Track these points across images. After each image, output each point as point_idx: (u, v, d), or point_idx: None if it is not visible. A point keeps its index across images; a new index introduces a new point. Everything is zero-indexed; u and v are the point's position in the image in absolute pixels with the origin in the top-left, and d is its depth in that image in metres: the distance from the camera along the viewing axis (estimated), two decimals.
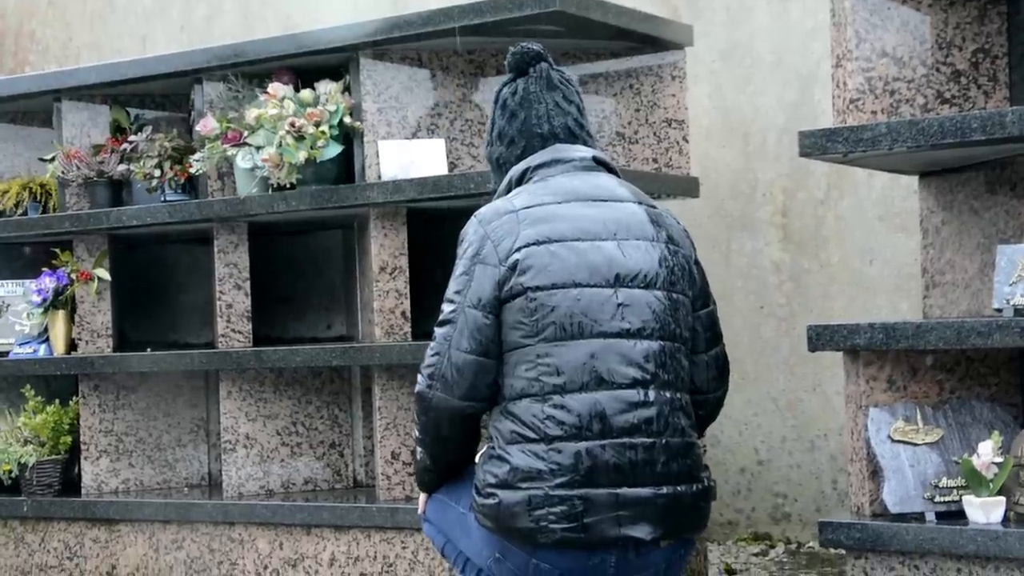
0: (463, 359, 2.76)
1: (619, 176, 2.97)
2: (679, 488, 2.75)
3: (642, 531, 2.71)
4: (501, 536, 2.74)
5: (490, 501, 2.74)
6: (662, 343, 2.77)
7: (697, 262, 2.92)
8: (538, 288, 2.73)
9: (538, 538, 2.69)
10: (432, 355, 2.80)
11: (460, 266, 2.81)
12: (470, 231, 2.84)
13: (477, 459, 2.87)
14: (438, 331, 2.80)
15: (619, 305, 2.75)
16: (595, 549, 2.71)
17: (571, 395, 2.71)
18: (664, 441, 2.74)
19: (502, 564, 2.76)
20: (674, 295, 2.81)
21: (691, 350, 2.87)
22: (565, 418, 2.71)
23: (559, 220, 2.79)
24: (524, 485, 2.70)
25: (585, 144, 2.97)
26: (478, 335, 2.76)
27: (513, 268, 2.75)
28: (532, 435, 2.72)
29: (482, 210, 2.86)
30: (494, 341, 2.77)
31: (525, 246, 2.76)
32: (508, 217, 2.80)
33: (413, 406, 2.92)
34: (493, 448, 2.78)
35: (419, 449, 2.92)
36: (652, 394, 2.74)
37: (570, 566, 2.71)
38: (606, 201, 2.84)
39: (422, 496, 3.04)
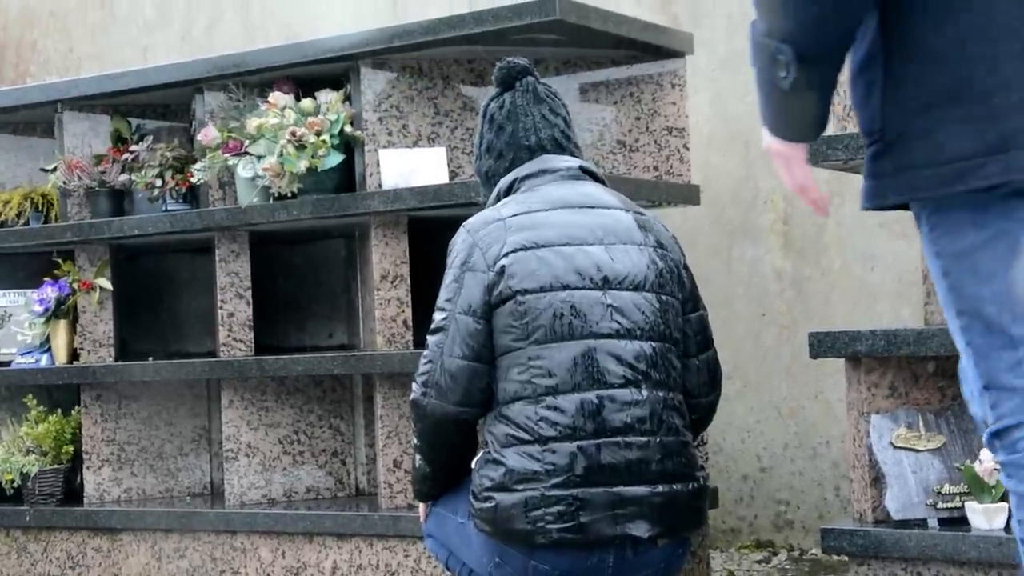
0: (456, 365, 2.78)
1: (606, 185, 3.00)
2: (675, 487, 2.76)
3: (640, 529, 2.72)
4: (499, 540, 2.75)
5: (487, 505, 2.75)
6: (653, 344, 2.79)
7: (686, 267, 2.95)
8: (526, 291, 2.76)
9: (535, 539, 2.70)
10: (425, 363, 2.83)
11: (450, 274, 2.85)
12: (459, 240, 2.88)
13: (473, 465, 2.88)
14: (430, 339, 2.83)
15: (609, 307, 2.77)
16: (593, 549, 2.72)
17: (564, 396, 2.73)
18: (659, 440, 2.76)
19: (502, 569, 2.77)
20: (663, 297, 2.83)
21: (683, 353, 2.89)
22: (558, 419, 2.72)
23: (546, 226, 2.82)
24: (520, 487, 2.71)
25: (572, 155, 3.00)
26: (470, 341, 2.78)
27: (501, 273, 2.78)
28: (526, 437, 2.73)
29: (470, 220, 2.90)
30: (486, 346, 2.79)
31: (512, 251, 2.79)
32: (495, 225, 2.83)
33: (410, 414, 2.95)
34: (488, 452, 2.79)
35: (417, 457, 2.95)
36: (645, 393, 2.76)
37: (568, 567, 2.72)
38: (593, 208, 2.88)
39: (422, 507, 3.06)
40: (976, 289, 1.82)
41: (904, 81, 1.81)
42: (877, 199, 1.88)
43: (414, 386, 2.85)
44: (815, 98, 1.89)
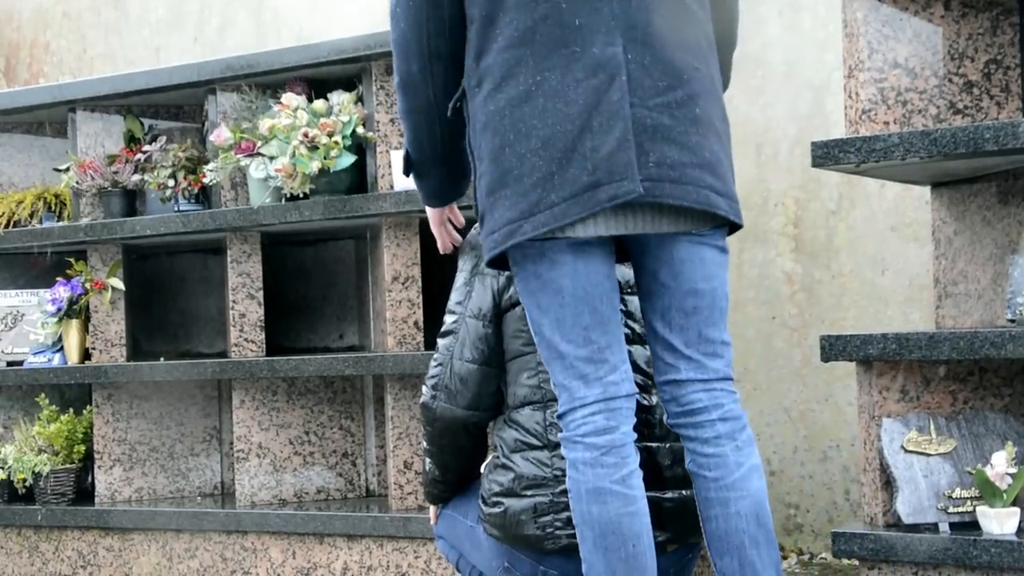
0: (465, 369, 2.79)
1: None
2: (684, 492, 2.75)
3: None
4: (509, 545, 2.75)
5: (496, 510, 2.75)
6: None
7: None
8: None
9: (545, 545, 2.70)
10: (435, 366, 2.83)
11: (460, 277, 2.86)
12: (470, 243, 2.88)
13: (483, 469, 2.88)
14: (440, 342, 2.83)
15: (619, 311, 2.76)
16: None
17: None
18: (668, 445, 2.75)
19: (511, 573, 2.77)
20: None
21: None
22: None
23: None
24: (529, 492, 2.71)
25: None
26: (480, 344, 2.78)
27: (511, 277, 2.77)
28: (535, 442, 2.73)
29: None
30: (496, 350, 2.79)
31: None
32: None
33: (420, 416, 2.95)
34: (498, 457, 2.79)
35: (427, 460, 2.94)
36: (655, 399, 2.75)
37: (578, 572, 2.72)
38: None
39: (432, 509, 3.06)
40: (537, 316, 2.58)
41: (480, 175, 2.60)
42: (488, 254, 2.62)
43: (424, 389, 2.85)
44: (429, 184, 2.82)
